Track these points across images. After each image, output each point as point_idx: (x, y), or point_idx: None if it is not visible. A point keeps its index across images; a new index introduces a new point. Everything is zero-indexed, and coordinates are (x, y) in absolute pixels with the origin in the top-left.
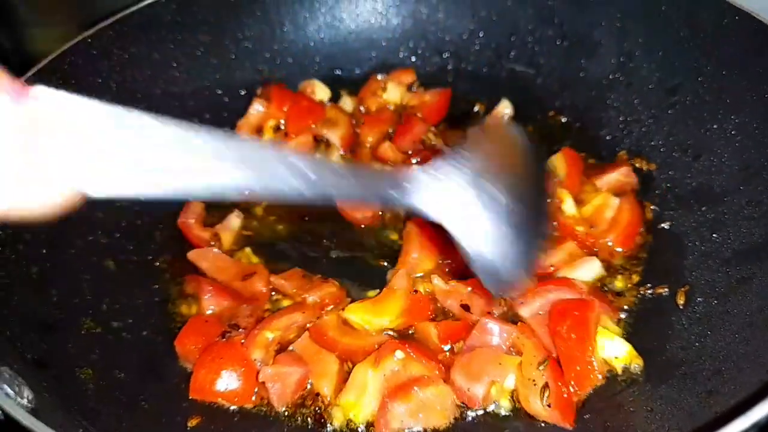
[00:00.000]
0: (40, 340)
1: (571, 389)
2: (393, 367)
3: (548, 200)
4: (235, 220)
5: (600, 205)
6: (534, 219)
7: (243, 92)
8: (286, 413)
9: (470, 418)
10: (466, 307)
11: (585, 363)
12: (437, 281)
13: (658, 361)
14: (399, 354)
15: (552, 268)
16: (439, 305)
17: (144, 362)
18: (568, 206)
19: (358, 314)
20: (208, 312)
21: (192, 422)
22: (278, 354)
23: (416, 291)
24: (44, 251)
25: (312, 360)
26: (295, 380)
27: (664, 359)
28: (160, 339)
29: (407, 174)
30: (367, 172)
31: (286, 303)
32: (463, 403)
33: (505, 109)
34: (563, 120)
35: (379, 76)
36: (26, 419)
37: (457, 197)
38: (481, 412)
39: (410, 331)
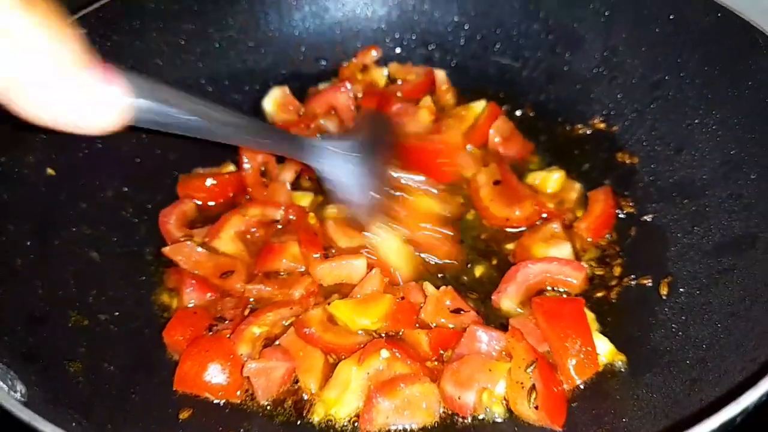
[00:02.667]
0: (27, 334)
1: (566, 384)
2: (377, 366)
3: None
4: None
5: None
6: (379, 172)
7: (227, 82)
8: (269, 407)
9: (463, 425)
10: (457, 311)
11: (587, 351)
12: (428, 286)
13: (642, 350)
14: (384, 353)
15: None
16: (422, 317)
17: (133, 355)
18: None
19: (341, 311)
20: (189, 305)
21: (183, 414)
22: (264, 348)
23: (403, 298)
24: (28, 243)
25: (298, 354)
26: (280, 375)
27: (648, 348)
28: (147, 331)
29: (310, 140)
30: (288, 134)
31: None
32: (453, 411)
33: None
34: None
35: (344, 63)
36: (23, 413)
37: (337, 161)
38: (476, 419)
39: (399, 334)
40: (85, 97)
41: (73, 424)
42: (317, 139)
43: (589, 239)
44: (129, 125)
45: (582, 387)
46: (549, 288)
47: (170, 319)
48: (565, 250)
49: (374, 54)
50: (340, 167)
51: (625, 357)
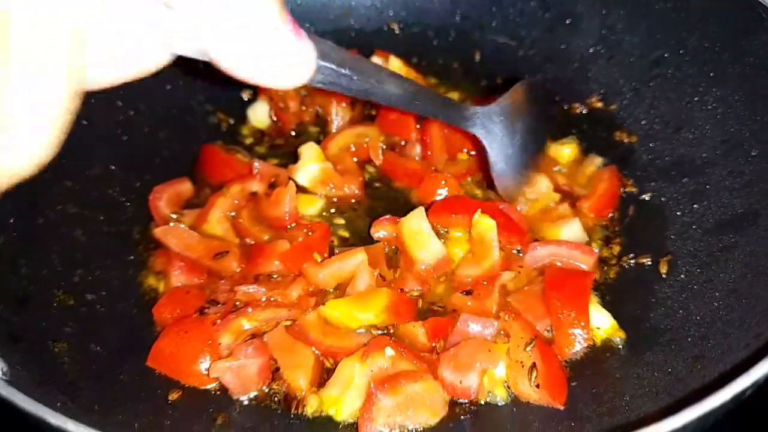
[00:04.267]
0: (11, 314)
1: (559, 356)
2: (381, 364)
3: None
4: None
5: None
6: (534, 146)
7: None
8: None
9: (468, 412)
10: (468, 292)
11: (580, 324)
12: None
13: (642, 328)
14: (389, 351)
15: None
16: (421, 306)
17: (120, 335)
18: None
19: (339, 309)
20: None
21: (172, 396)
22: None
23: (402, 290)
24: (12, 222)
25: (286, 351)
26: (254, 371)
27: (648, 327)
28: (135, 311)
29: (470, 108)
30: (447, 99)
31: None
32: (456, 398)
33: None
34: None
35: None
36: (3, 389)
37: (495, 129)
38: (478, 405)
39: (391, 331)
40: (284, 52)
41: (59, 404)
42: (478, 107)
43: (591, 216)
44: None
45: (581, 365)
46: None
47: (161, 296)
48: (575, 226)
49: None
50: (500, 136)
51: (624, 334)
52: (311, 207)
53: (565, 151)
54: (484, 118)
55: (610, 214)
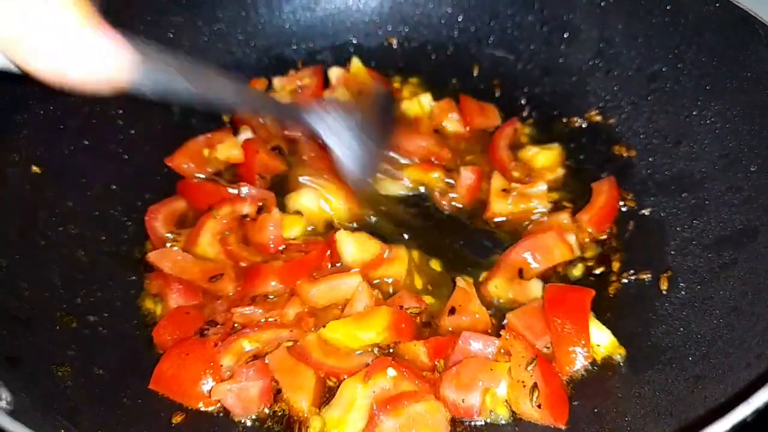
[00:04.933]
0: (13, 337)
1: (560, 374)
2: (384, 385)
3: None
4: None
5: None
6: (378, 140)
7: None
8: (261, 415)
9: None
10: (452, 311)
11: (581, 342)
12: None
13: (643, 346)
14: (391, 371)
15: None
16: (419, 321)
17: (123, 358)
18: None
19: (340, 331)
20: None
21: (176, 419)
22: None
23: (401, 307)
24: (13, 243)
25: (287, 373)
26: (256, 393)
27: (649, 345)
28: (138, 333)
29: (308, 107)
30: (285, 103)
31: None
32: (458, 418)
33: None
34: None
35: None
36: (5, 422)
37: (336, 126)
38: (480, 423)
39: (391, 350)
40: (90, 53)
41: (62, 430)
42: (317, 105)
43: (590, 230)
44: (130, 90)
45: (583, 384)
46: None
47: (160, 318)
48: (569, 239)
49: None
50: (338, 131)
51: (624, 351)
52: (293, 229)
53: (544, 153)
54: (324, 116)
55: (608, 230)
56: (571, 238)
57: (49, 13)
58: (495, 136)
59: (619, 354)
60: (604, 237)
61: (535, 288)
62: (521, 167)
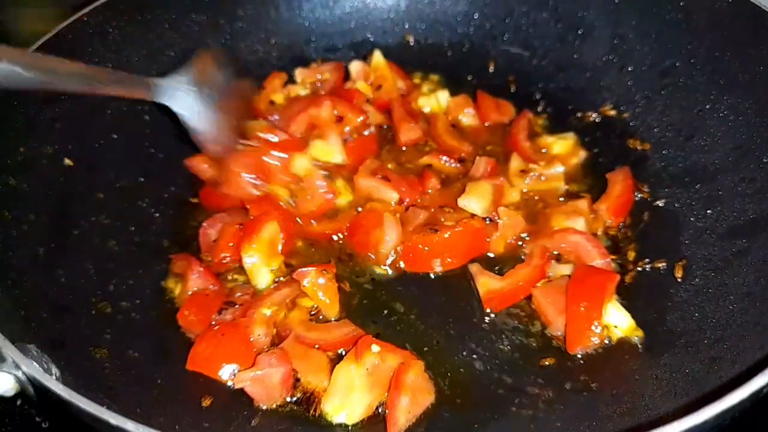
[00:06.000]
0: (53, 321)
1: (569, 349)
2: (373, 361)
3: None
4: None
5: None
6: (227, 111)
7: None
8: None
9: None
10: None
11: (587, 326)
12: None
13: (659, 331)
14: (375, 347)
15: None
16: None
17: (156, 342)
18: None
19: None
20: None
21: (205, 402)
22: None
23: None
24: (48, 233)
25: (301, 359)
26: (278, 380)
27: (665, 330)
28: (168, 320)
29: (155, 80)
30: (132, 77)
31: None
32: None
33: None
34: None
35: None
36: (66, 393)
37: (188, 97)
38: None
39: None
40: None
41: (104, 407)
42: (162, 79)
43: (608, 220)
44: None
45: (601, 367)
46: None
47: (182, 303)
48: (578, 223)
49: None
50: (186, 101)
51: (642, 333)
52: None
53: (562, 141)
54: (171, 88)
55: (622, 223)
56: (579, 222)
57: None
58: (513, 127)
59: (636, 336)
60: (615, 232)
61: (565, 267)
62: (540, 155)
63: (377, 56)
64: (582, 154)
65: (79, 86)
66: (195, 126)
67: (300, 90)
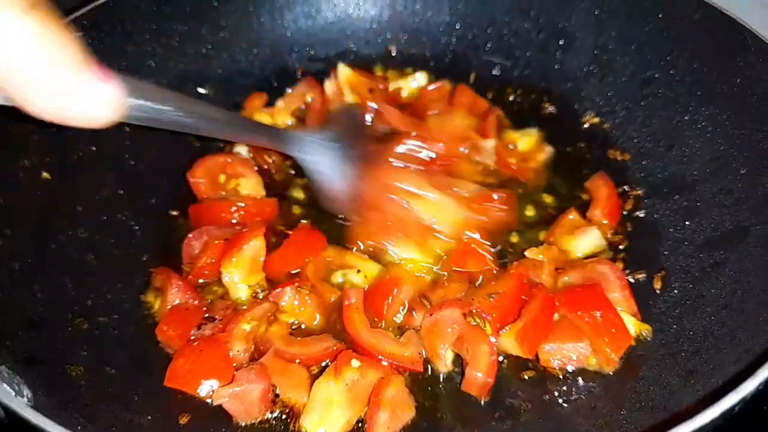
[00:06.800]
0: (28, 338)
1: (605, 367)
2: (353, 376)
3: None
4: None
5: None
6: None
7: (219, 83)
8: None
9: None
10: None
11: (618, 326)
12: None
13: (637, 344)
14: (355, 362)
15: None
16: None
17: (133, 357)
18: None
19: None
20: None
21: (183, 419)
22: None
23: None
24: (25, 247)
25: (281, 374)
26: (256, 396)
27: (644, 342)
28: (147, 334)
29: (291, 131)
30: (269, 127)
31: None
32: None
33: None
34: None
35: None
36: (34, 417)
37: (322, 154)
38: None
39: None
40: (83, 94)
41: (79, 428)
42: (297, 130)
43: (605, 222)
44: (122, 121)
45: (578, 383)
46: None
47: (162, 317)
48: (593, 235)
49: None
50: (321, 156)
51: (650, 327)
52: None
53: (526, 136)
54: (308, 143)
55: (612, 231)
56: (593, 233)
57: (50, 56)
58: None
59: (645, 330)
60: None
61: None
62: (508, 151)
63: (341, 69)
64: (548, 150)
65: (220, 132)
66: (324, 184)
67: (285, 115)
